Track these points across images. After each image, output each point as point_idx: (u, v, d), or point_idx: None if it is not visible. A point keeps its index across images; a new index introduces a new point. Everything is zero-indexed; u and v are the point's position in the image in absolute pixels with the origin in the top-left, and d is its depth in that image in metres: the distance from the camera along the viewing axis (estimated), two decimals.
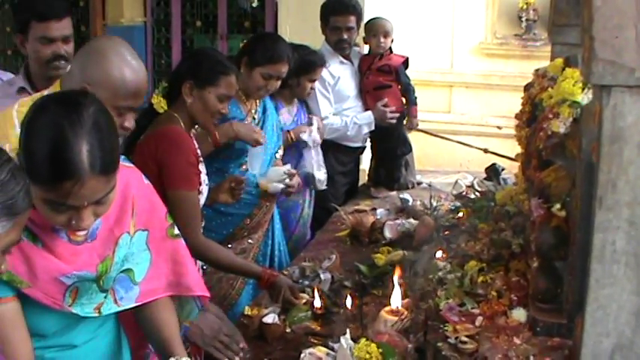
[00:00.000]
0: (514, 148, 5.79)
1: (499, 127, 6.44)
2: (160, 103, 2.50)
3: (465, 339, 1.92)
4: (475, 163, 6.94)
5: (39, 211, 1.46)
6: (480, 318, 2.03)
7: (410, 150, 4.22)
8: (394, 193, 4.12)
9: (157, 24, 7.02)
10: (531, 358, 1.78)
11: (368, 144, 4.28)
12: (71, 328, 1.66)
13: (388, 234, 3.21)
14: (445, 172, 4.93)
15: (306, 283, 2.62)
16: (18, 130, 1.65)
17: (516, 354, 1.83)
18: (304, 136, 3.56)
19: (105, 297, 1.67)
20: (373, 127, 4.04)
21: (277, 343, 2.26)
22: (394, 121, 4.02)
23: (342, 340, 1.99)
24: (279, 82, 3.09)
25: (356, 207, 3.84)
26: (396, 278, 2.27)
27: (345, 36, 3.95)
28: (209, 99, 2.42)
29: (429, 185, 4.25)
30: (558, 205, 1.92)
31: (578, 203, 1.80)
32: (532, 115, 2.64)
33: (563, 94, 1.87)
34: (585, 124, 1.82)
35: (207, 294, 1.92)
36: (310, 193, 3.77)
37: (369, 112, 4.03)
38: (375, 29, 4.01)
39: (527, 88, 2.74)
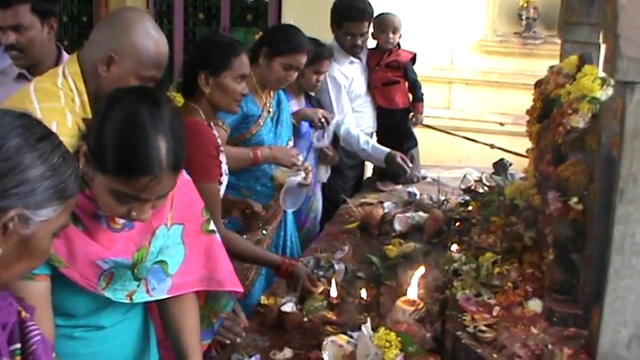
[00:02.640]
0: (514, 144, 5.86)
1: (501, 124, 6.50)
2: (175, 98, 2.53)
3: (484, 328, 1.96)
4: (473, 159, 7.00)
5: (98, 199, 1.52)
6: (497, 308, 2.07)
7: (415, 145, 4.27)
8: (400, 186, 4.17)
9: (159, 15, 6.99)
10: (550, 346, 1.83)
11: (375, 138, 4.32)
12: (100, 310, 1.69)
13: (398, 226, 3.25)
14: (448, 167, 4.99)
15: (321, 273, 2.67)
16: (36, 105, 1.76)
17: (535, 343, 1.88)
18: (315, 141, 3.61)
19: (137, 285, 1.70)
20: (382, 165, 4.06)
21: (296, 332, 2.30)
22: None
23: (364, 328, 2.04)
24: (296, 74, 3.11)
25: (363, 200, 3.89)
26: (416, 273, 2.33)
27: (360, 41, 3.96)
28: (227, 83, 2.44)
29: (434, 180, 4.30)
30: (575, 199, 1.97)
31: (597, 196, 1.84)
32: (544, 111, 2.68)
33: (583, 90, 1.92)
34: (604, 119, 1.87)
35: (240, 289, 1.95)
36: (320, 188, 3.81)
37: (385, 151, 3.99)
38: (385, 25, 4.04)
39: (538, 84, 2.77)
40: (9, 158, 1.06)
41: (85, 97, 1.87)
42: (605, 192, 1.80)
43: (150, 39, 1.89)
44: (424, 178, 4.39)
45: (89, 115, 1.86)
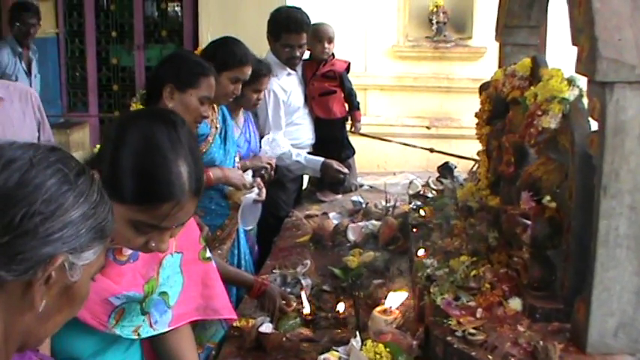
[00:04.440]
0: (436, 147, 5.97)
1: (428, 127, 6.64)
2: None
3: (473, 331, 1.98)
4: (392, 164, 7.13)
5: (116, 231, 1.40)
6: (479, 310, 2.10)
7: (353, 154, 4.29)
8: (340, 196, 4.18)
9: (70, 35, 6.74)
10: (541, 343, 1.87)
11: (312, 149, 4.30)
12: (105, 350, 1.59)
13: (352, 236, 3.25)
14: (381, 173, 5.04)
15: (289, 290, 2.62)
16: None
17: (525, 340, 1.92)
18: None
19: (143, 320, 1.62)
20: (318, 175, 4.03)
21: (277, 353, 2.24)
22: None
23: (353, 341, 2.02)
24: (240, 86, 3.05)
25: (307, 212, 3.86)
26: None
27: (298, 53, 3.88)
28: (191, 101, 2.40)
29: (371, 187, 4.35)
30: (548, 197, 2.03)
31: (574, 193, 1.90)
32: (493, 113, 2.76)
33: (551, 91, 1.98)
34: (574, 119, 1.94)
35: (235, 316, 1.91)
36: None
37: (320, 160, 3.96)
38: (320, 35, 4.02)
39: (484, 87, 2.85)
40: (51, 199, 0.94)
41: None
42: (583, 188, 1.87)
43: None
44: (361, 186, 4.42)
45: None
